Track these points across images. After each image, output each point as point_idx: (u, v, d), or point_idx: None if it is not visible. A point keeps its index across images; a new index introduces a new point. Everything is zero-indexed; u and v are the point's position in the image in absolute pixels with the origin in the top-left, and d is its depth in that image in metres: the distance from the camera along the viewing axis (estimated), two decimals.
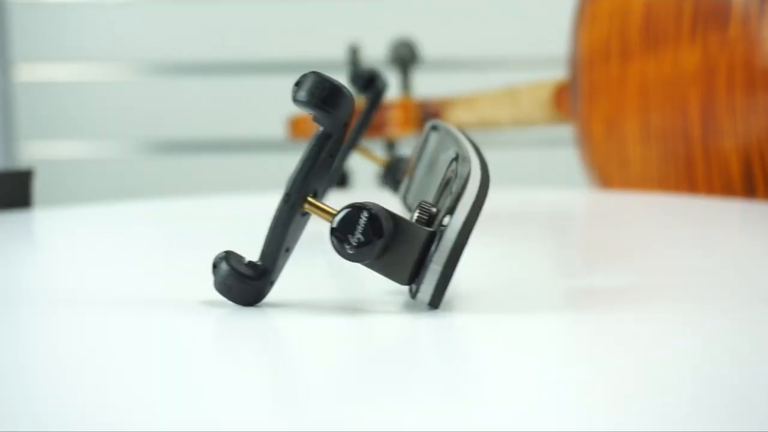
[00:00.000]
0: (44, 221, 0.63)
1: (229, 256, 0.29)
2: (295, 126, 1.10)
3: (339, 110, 0.28)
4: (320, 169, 0.29)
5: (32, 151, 1.60)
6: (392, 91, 1.20)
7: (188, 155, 1.58)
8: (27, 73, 1.59)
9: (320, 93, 0.27)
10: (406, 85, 1.05)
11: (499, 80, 1.10)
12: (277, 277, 0.30)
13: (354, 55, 1.08)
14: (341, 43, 1.28)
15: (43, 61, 1.59)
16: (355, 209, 0.28)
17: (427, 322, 0.28)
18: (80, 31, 1.59)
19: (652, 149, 0.74)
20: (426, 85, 1.35)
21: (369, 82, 0.35)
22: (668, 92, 0.72)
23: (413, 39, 1.07)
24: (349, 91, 0.28)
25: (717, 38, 0.68)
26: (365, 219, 0.28)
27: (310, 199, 0.29)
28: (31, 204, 0.68)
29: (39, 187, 0.72)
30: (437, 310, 0.29)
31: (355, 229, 0.28)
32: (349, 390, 0.23)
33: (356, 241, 0.28)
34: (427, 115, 1.00)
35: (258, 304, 0.30)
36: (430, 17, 1.54)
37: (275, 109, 1.48)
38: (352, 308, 0.31)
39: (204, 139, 1.58)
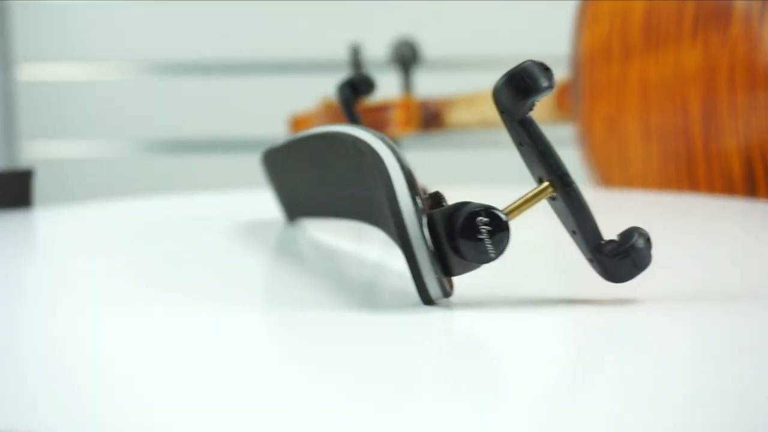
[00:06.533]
0: (44, 221, 0.63)
1: None
2: (296, 126, 1.10)
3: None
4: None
5: (33, 151, 1.60)
6: (393, 91, 1.20)
7: (188, 155, 1.58)
8: (28, 72, 1.59)
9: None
10: (407, 84, 1.05)
11: None
12: None
13: (355, 55, 1.08)
14: (342, 43, 1.28)
15: (45, 61, 1.59)
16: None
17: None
18: (81, 31, 1.58)
19: (653, 149, 0.74)
20: (427, 85, 1.35)
21: None
22: (669, 92, 0.72)
23: (414, 39, 1.07)
24: None
25: (718, 38, 0.68)
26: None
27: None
28: (31, 203, 0.68)
29: (40, 186, 0.72)
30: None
31: None
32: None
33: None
34: (428, 114, 1.00)
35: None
36: (432, 17, 1.54)
37: (275, 109, 1.47)
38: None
39: (204, 139, 1.58)
